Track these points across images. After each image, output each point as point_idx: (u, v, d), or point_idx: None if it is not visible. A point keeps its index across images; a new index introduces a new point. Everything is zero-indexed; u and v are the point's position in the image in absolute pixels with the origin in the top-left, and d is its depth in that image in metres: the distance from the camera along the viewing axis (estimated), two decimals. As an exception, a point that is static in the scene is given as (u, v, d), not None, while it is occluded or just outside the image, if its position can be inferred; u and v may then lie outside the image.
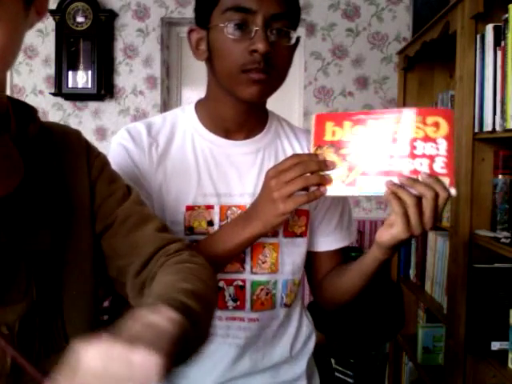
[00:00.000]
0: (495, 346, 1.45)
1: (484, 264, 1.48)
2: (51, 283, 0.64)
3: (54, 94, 2.92)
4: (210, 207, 0.92)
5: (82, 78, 2.89)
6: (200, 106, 0.97)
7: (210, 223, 0.92)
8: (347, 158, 0.76)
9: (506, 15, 1.36)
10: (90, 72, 2.87)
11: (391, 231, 0.77)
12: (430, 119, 0.73)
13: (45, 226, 0.64)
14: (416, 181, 0.72)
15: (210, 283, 0.66)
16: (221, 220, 0.92)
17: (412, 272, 2.31)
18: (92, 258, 0.70)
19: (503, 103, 1.36)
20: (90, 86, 2.87)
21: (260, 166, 0.95)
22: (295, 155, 0.80)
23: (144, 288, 0.68)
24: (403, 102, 2.42)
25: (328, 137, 0.77)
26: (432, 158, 0.73)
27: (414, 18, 2.29)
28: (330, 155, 0.77)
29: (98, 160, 0.74)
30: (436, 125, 0.73)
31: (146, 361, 0.42)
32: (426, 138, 0.73)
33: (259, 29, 0.82)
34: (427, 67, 2.38)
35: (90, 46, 2.85)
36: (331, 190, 0.76)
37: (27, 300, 0.61)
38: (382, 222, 0.78)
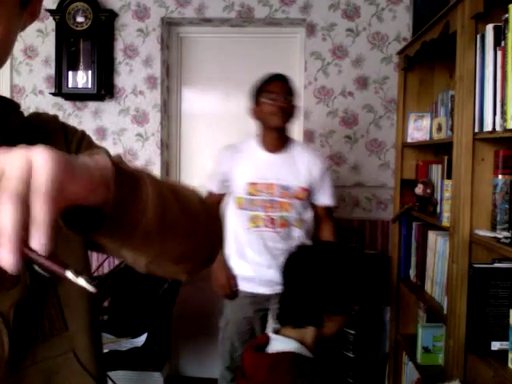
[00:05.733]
0: (495, 345, 1.45)
1: (484, 264, 1.48)
2: None
3: (53, 94, 2.92)
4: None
5: (81, 78, 2.89)
6: None
7: (258, 191, 2.09)
8: None
9: (506, 15, 1.36)
10: (89, 72, 2.87)
11: None
12: None
13: None
14: None
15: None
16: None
17: (412, 272, 2.31)
18: (84, 239, 0.68)
19: (503, 103, 1.36)
20: (90, 86, 2.87)
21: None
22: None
23: None
24: (403, 102, 2.42)
25: None
26: None
27: (414, 18, 2.29)
28: None
29: (75, 137, 0.73)
30: None
31: (44, 157, 0.40)
32: None
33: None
34: (427, 67, 2.38)
35: (89, 46, 2.85)
36: None
37: (21, 286, 0.60)
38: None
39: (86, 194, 0.46)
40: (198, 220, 0.66)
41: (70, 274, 0.42)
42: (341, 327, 1.29)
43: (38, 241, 0.40)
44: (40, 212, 0.39)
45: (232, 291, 2.16)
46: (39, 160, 0.41)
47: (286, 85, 2.10)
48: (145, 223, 0.53)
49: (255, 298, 2.16)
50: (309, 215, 2.19)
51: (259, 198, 2.08)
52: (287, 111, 2.07)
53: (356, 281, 1.28)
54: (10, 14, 0.58)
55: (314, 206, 2.21)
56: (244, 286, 2.17)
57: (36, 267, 0.41)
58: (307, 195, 2.13)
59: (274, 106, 2.05)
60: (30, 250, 0.40)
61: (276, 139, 2.11)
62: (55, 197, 0.40)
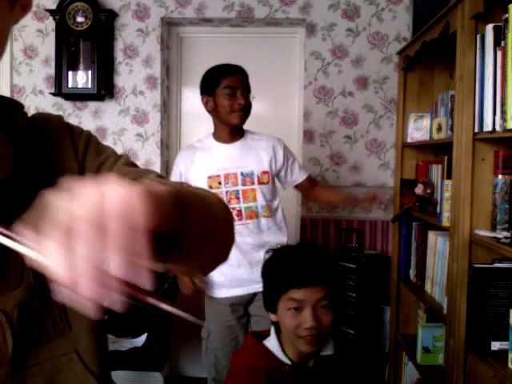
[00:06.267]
0: (495, 346, 1.45)
1: (484, 264, 1.48)
2: None
3: (54, 94, 2.92)
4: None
5: (81, 78, 2.89)
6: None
7: (220, 183, 1.99)
8: None
9: (506, 15, 1.36)
10: (90, 72, 2.87)
11: None
12: None
13: None
14: None
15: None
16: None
17: (412, 272, 2.31)
18: None
19: (503, 103, 1.36)
20: (90, 86, 2.87)
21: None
22: None
23: None
24: (403, 102, 2.42)
25: None
26: None
27: (414, 18, 2.29)
28: None
29: (82, 138, 0.72)
30: None
31: (124, 189, 0.38)
32: None
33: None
34: (427, 67, 2.38)
35: (90, 46, 2.85)
36: None
37: (24, 286, 0.60)
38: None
39: (163, 221, 0.43)
40: (224, 224, 0.65)
41: (172, 309, 0.42)
42: (293, 329, 1.22)
43: (143, 279, 0.38)
44: (142, 251, 0.38)
45: (196, 286, 2.01)
46: (130, 198, 0.38)
47: (246, 80, 2.02)
48: (188, 237, 0.52)
49: (233, 302, 2.03)
50: (277, 203, 2.09)
51: (221, 191, 1.97)
52: (247, 109, 2.00)
53: (275, 275, 1.28)
54: (1, 8, 0.57)
55: (296, 187, 2.22)
56: (218, 292, 2.03)
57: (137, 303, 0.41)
58: (271, 178, 2.05)
59: (234, 103, 1.97)
60: (131, 288, 0.39)
61: (231, 133, 2.05)
62: (147, 230, 0.38)
